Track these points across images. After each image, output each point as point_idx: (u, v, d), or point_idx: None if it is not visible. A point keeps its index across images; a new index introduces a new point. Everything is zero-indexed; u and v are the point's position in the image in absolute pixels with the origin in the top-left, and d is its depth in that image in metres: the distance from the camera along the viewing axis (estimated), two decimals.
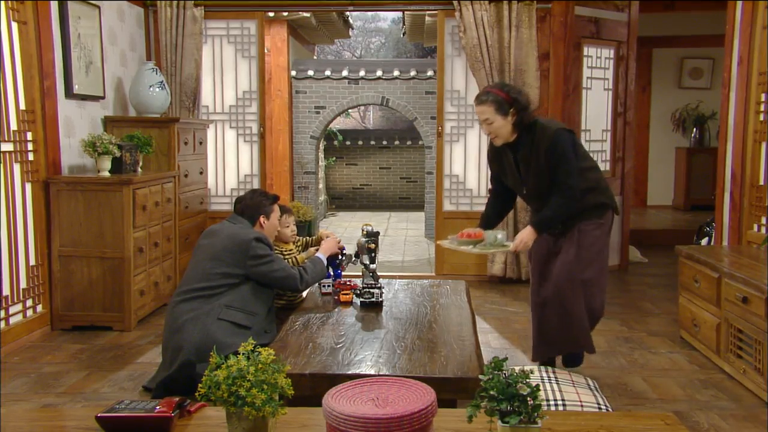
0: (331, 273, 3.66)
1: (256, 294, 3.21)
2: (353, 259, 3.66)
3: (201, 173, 5.71)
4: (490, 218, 3.47)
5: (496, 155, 3.33)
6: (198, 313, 3.08)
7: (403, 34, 12.20)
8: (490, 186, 3.61)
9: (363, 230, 3.67)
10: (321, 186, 10.73)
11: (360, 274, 3.60)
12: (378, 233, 3.57)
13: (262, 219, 3.38)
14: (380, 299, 3.26)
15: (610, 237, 3.40)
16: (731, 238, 4.52)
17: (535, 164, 3.12)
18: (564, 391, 2.86)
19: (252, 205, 3.40)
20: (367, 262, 3.47)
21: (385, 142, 12.44)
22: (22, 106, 4.15)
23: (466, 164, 5.87)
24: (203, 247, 3.24)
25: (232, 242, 3.19)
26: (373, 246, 3.48)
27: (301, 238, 3.93)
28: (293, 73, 9.36)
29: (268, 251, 3.24)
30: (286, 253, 3.67)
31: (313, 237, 3.98)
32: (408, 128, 12.74)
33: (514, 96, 3.07)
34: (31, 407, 3.13)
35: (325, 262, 3.47)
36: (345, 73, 9.45)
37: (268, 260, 3.21)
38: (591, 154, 5.88)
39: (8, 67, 4.01)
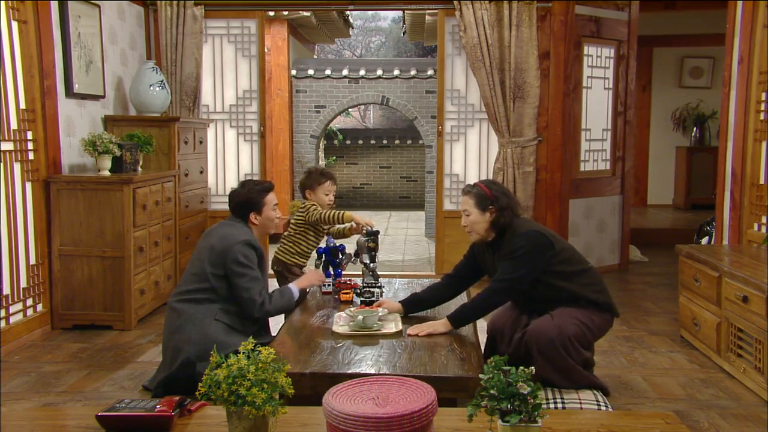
0: (332, 272, 3.67)
1: None
2: (353, 258, 3.67)
3: (201, 172, 5.71)
4: (418, 300, 3.13)
5: (480, 249, 3.13)
6: (195, 314, 3.07)
7: (404, 33, 12.20)
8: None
9: (363, 229, 3.67)
10: None
11: (360, 273, 3.60)
12: (378, 232, 3.57)
13: (252, 216, 3.26)
14: (380, 299, 3.26)
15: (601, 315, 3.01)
16: (731, 237, 4.52)
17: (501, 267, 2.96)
18: (563, 389, 2.86)
19: (241, 202, 3.26)
20: (368, 261, 3.48)
21: (385, 142, 12.44)
22: (23, 106, 4.14)
23: (467, 163, 5.87)
24: (199, 248, 3.24)
25: (221, 243, 3.12)
26: (373, 245, 3.48)
27: (336, 211, 3.85)
28: (293, 72, 9.35)
29: (248, 263, 3.09)
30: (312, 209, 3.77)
31: (343, 214, 3.82)
32: (408, 127, 12.73)
33: (495, 194, 2.96)
34: (31, 406, 3.13)
35: (296, 296, 3.25)
36: (345, 72, 9.44)
37: (242, 273, 3.07)
38: (591, 154, 6.00)
39: (8, 66, 4.01)
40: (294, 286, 3.28)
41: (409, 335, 2.79)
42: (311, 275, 3.44)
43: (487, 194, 2.96)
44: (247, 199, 3.25)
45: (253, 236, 3.21)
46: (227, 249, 3.08)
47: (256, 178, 6.03)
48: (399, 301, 3.11)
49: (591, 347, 3.05)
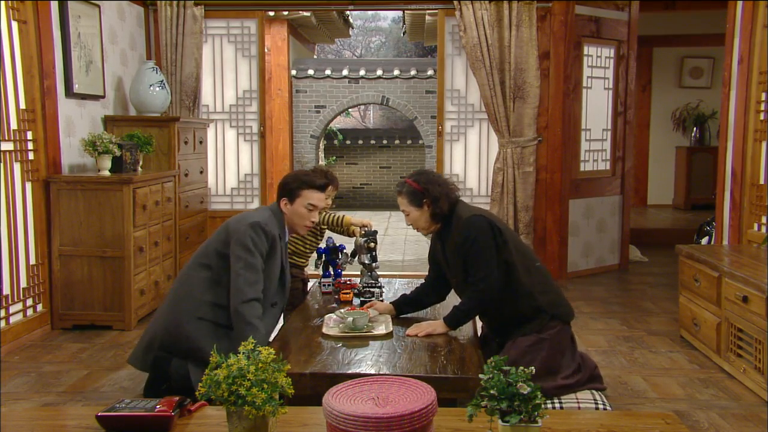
0: (331, 272, 3.67)
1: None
2: (349, 258, 3.67)
3: (201, 172, 5.71)
4: (408, 301, 3.11)
5: (433, 242, 3.10)
6: (180, 296, 2.90)
7: (404, 34, 12.20)
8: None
9: (360, 230, 3.67)
10: None
11: (360, 273, 3.61)
12: (376, 232, 3.57)
13: (283, 202, 3.03)
14: (380, 299, 3.26)
15: (572, 340, 2.92)
16: (731, 237, 4.52)
17: (452, 258, 2.91)
18: None
19: (281, 183, 3.07)
20: (367, 262, 3.47)
21: (385, 142, 12.44)
22: (23, 106, 4.14)
23: (467, 163, 5.87)
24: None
25: (235, 221, 2.94)
26: (372, 245, 3.48)
27: (331, 213, 3.84)
28: (293, 72, 9.36)
29: (251, 247, 2.81)
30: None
31: (341, 217, 3.80)
32: (408, 127, 12.74)
33: (425, 186, 2.87)
34: (31, 406, 3.13)
35: (268, 340, 2.87)
36: (345, 72, 9.45)
37: (240, 256, 2.80)
38: (591, 154, 6.00)
39: (8, 66, 4.01)
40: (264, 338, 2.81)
41: (408, 335, 2.78)
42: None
43: (417, 189, 2.89)
44: (287, 182, 3.06)
45: (271, 219, 2.94)
46: (236, 228, 2.87)
47: (256, 177, 6.04)
48: (391, 303, 3.10)
49: (564, 363, 2.86)
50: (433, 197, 2.86)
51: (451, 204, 2.90)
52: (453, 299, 3.21)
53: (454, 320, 2.84)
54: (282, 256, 3.02)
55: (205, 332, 2.85)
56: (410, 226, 3.00)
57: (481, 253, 2.76)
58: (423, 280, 3.21)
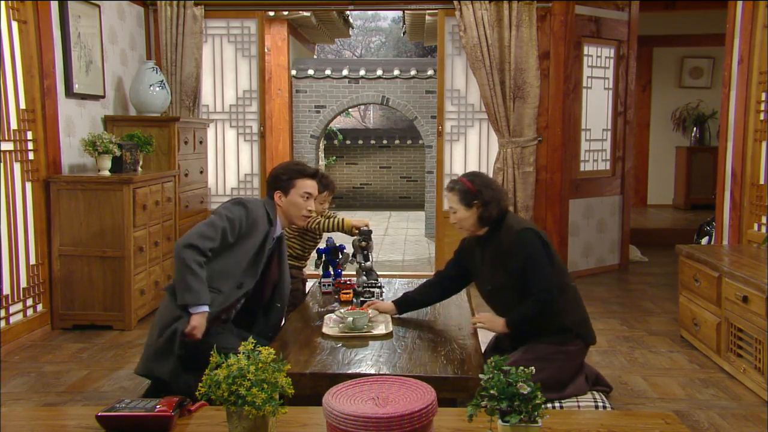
0: (332, 272, 3.67)
1: (224, 271, 2.83)
2: (350, 258, 3.67)
3: (201, 172, 5.71)
4: (410, 300, 3.09)
5: (468, 245, 3.06)
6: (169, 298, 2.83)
7: (404, 34, 12.19)
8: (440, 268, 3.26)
9: (353, 230, 3.68)
10: None
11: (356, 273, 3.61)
12: (371, 232, 3.57)
13: (277, 196, 2.99)
14: (380, 298, 3.26)
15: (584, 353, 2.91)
16: (731, 237, 4.51)
17: (500, 266, 2.86)
18: None
19: (272, 176, 3.03)
20: (361, 261, 3.48)
21: (385, 142, 12.44)
22: (23, 106, 4.14)
23: (467, 163, 5.87)
24: None
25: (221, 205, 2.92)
26: (364, 244, 3.47)
27: (331, 212, 3.83)
28: (293, 72, 9.36)
29: (223, 211, 2.78)
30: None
31: (340, 221, 3.77)
32: (408, 127, 12.74)
33: (479, 188, 2.85)
34: (31, 406, 3.13)
35: (192, 304, 2.71)
36: (345, 72, 9.44)
37: (212, 217, 2.79)
38: (591, 154, 6.00)
39: (8, 66, 4.01)
40: (194, 311, 2.70)
41: (472, 323, 2.90)
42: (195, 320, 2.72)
43: (470, 189, 2.86)
44: (278, 174, 3.01)
45: (260, 209, 2.91)
46: (221, 206, 2.88)
47: (256, 177, 6.03)
48: (392, 301, 3.09)
49: (574, 381, 2.86)
50: (484, 200, 2.84)
51: (500, 211, 2.88)
52: (455, 299, 3.21)
53: (516, 323, 2.82)
54: (264, 241, 2.90)
55: (172, 305, 2.73)
56: (455, 224, 2.95)
57: (538, 265, 2.77)
58: (425, 281, 3.19)
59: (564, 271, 2.93)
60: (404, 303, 3.09)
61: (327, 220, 3.70)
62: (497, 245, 2.86)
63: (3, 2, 3.96)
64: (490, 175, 5.74)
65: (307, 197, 3.00)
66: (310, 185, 3.01)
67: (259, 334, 2.93)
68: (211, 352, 1.76)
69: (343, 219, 3.73)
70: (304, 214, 3.01)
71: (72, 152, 4.61)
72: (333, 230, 3.72)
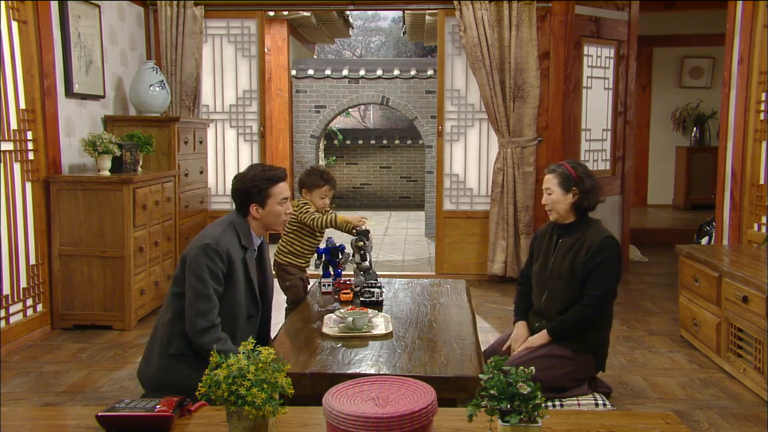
0: (331, 272, 3.67)
1: (231, 315, 2.69)
2: (350, 258, 3.67)
3: (201, 172, 5.71)
4: (524, 308, 3.17)
5: (542, 234, 3.14)
6: (154, 339, 2.72)
7: (404, 34, 12.20)
8: (520, 273, 3.34)
9: (354, 229, 3.68)
10: None
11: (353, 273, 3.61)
12: (368, 231, 3.57)
13: (253, 209, 2.76)
14: (380, 298, 3.26)
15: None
16: (731, 237, 4.51)
17: (571, 257, 2.90)
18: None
19: (242, 190, 2.76)
20: (358, 261, 3.48)
21: (385, 142, 12.43)
22: (23, 106, 4.14)
23: (467, 163, 5.87)
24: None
25: (190, 244, 2.70)
26: (361, 244, 3.47)
27: (322, 216, 3.82)
28: (293, 72, 9.35)
29: (201, 273, 2.57)
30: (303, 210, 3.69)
31: (333, 218, 3.75)
32: (408, 127, 12.73)
33: (581, 175, 2.94)
34: (31, 406, 3.13)
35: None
36: (345, 72, 9.44)
37: (191, 285, 2.59)
38: (591, 155, 5.99)
39: (8, 66, 4.01)
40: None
41: (513, 348, 2.98)
42: None
43: (572, 175, 2.94)
44: (249, 187, 2.75)
45: (225, 235, 2.69)
46: (188, 253, 2.64)
47: None
48: (520, 321, 3.11)
49: (576, 389, 2.92)
50: (584, 189, 2.91)
51: (594, 203, 2.95)
52: (455, 299, 3.21)
53: (558, 332, 2.87)
54: (247, 268, 2.76)
55: (180, 366, 2.64)
56: (545, 206, 3.01)
57: (610, 273, 2.84)
58: (425, 280, 3.21)
59: (616, 290, 2.99)
60: (524, 311, 3.15)
61: (321, 217, 3.70)
62: (578, 238, 2.91)
63: (3, 2, 3.96)
64: (491, 175, 5.75)
65: (284, 201, 2.83)
66: (284, 189, 2.83)
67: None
68: (212, 352, 1.76)
69: (335, 214, 3.73)
70: (284, 219, 2.85)
71: (72, 152, 4.61)
72: (326, 226, 3.72)
